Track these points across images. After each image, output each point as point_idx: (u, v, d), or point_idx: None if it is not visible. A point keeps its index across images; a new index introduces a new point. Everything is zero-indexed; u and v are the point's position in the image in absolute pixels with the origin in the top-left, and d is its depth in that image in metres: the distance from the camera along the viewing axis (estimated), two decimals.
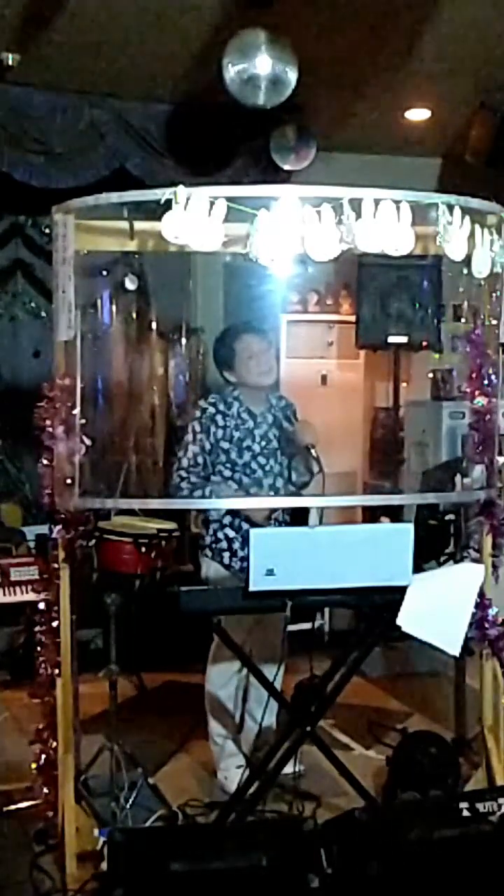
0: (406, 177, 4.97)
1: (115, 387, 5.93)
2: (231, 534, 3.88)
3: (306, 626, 4.90)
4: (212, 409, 3.85)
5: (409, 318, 5.60)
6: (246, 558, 3.79)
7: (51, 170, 5.41)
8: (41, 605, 3.40)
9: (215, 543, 3.91)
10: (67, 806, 3.23)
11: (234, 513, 3.85)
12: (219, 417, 3.84)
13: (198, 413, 3.88)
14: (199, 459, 3.79)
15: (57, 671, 3.33)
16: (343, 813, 3.17)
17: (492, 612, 3.49)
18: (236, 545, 3.87)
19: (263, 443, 3.88)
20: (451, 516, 4.47)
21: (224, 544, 3.89)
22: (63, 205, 3.25)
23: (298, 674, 3.75)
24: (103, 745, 3.64)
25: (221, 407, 3.86)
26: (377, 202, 2.93)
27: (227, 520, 3.88)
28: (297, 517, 4.11)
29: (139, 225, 3.50)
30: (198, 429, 3.83)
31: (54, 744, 3.33)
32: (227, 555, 3.89)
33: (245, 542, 3.82)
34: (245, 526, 3.83)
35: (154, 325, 6.20)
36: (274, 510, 3.91)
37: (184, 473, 3.78)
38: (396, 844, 2.79)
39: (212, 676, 3.96)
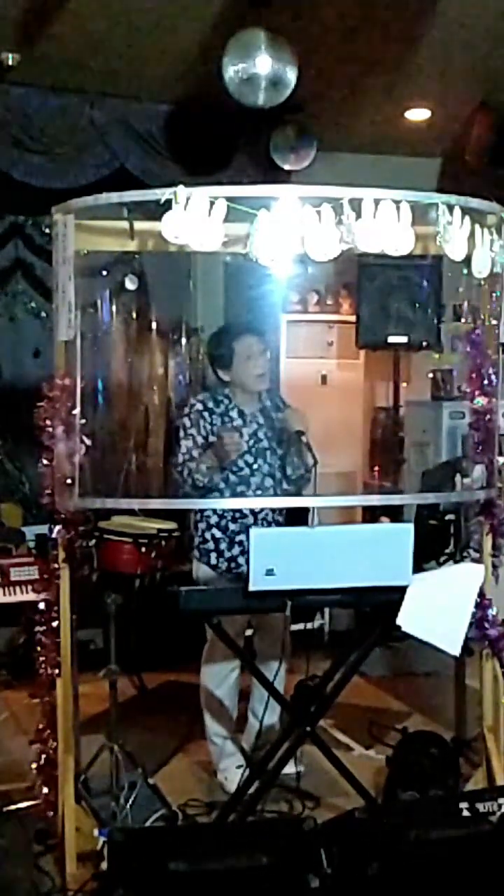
0: (406, 177, 4.96)
1: (115, 387, 5.93)
2: (217, 534, 3.87)
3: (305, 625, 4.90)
4: (199, 406, 3.86)
5: (409, 318, 5.60)
6: (232, 559, 3.82)
7: (51, 170, 5.42)
8: (41, 605, 3.40)
9: (202, 544, 3.90)
10: (67, 806, 3.23)
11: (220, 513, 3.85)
12: (206, 414, 3.84)
13: (186, 410, 3.90)
14: (195, 453, 3.78)
15: (57, 671, 3.33)
16: (343, 813, 3.17)
17: (492, 612, 3.49)
18: (223, 545, 3.86)
19: (252, 441, 3.85)
20: (451, 516, 4.47)
21: (211, 545, 3.88)
22: (63, 205, 3.25)
23: (298, 674, 3.75)
24: (103, 745, 3.64)
25: (210, 404, 3.86)
26: (377, 202, 2.93)
27: (213, 520, 3.87)
28: (296, 517, 4.08)
29: (139, 225, 3.50)
30: (187, 424, 3.84)
31: (54, 744, 3.33)
32: (213, 555, 3.88)
33: (231, 542, 3.83)
34: (231, 527, 3.83)
35: (154, 325, 6.20)
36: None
37: (180, 469, 3.77)
38: (396, 844, 2.78)
39: (208, 673, 3.96)
